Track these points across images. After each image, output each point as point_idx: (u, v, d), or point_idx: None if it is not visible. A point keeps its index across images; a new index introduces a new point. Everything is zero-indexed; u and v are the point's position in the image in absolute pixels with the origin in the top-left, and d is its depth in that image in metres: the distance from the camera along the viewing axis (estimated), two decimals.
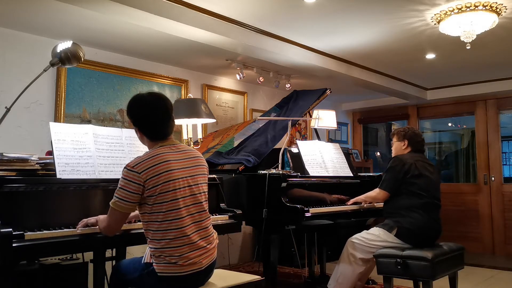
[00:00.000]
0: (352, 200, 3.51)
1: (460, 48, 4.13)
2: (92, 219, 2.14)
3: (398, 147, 3.45)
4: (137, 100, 2.11)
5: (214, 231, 2.18)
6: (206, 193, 2.16)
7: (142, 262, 2.06)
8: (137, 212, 2.24)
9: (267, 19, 3.59)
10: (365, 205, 3.52)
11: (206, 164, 2.22)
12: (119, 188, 1.96)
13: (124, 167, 1.97)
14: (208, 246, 2.07)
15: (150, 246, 2.01)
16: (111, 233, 2.10)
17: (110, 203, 1.98)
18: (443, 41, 4.03)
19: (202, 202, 2.09)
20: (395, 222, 3.09)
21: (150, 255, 2.02)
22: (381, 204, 3.40)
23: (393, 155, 3.48)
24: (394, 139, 3.47)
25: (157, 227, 1.97)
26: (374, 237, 3.10)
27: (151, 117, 2.06)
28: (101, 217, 2.11)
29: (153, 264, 1.98)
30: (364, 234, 3.17)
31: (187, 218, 2.01)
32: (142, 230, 2.29)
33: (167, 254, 1.96)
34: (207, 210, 2.14)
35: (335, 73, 4.76)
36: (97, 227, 2.13)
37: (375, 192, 3.31)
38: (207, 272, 2.10)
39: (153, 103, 2.07)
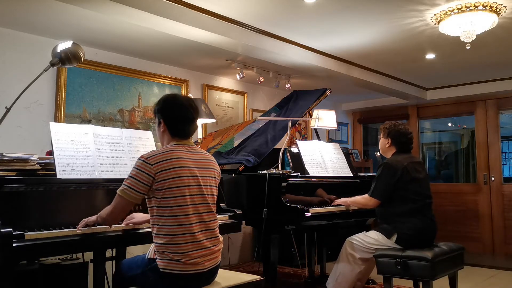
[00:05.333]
0: (337, 201, 3.41)
1: (460, 48, 4.13)
2: (92, 218, 2.14)
3: (382, 144, 3.34)
4: (171, 97, 2.22)
5: (220, 235, 2.18)
6: (215, 196, 2.19)
7: (146, 258, 2.08)
8: (146, 217, 2.24)
9: (267, 19, 3.59)
10: (351, 209, 3.40)
11: (218, 169, 2.26)
12: (129, 176, 2.00)
13: (139, 158, 2.02)
14: (212, 248, 2.08)
15: (155, 241, 2.02)
16: (113, 221, 2.11)
17: (117, 190, 2.01)
18: (443, 41, 4.03)
19: (209, 204, 2.11)
20: (393, 228, 3.03)
21: (154, 251, 2.03)
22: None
23: (380, 151, 3.40)
24: (381, 135, 3.36)
25: (163, 222, 1.99)
26: (373, 240, 3.07)
27: (181, 115, 2.14)
28: (102, 211, 2.12)
29: (156, 260, 1.99)
30: (362, 236, 3.14)
31: (193, 216, 2.02)
32: (143, 230, 2.30)
33: (171, 251, 1.97)
34: (215, 212, 2.16)
35: (335, 73, 4.77)
36: (97, 224, 2.13)
37: (365, 199, 3.21)
38: (210, 275, 2.11)
39: (187, 104, 2.17)
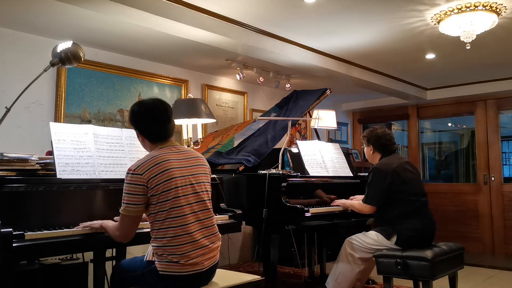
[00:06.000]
0: (336, 202, 3.42)
1: (460, 48, 4.13)
2: (95, 224, 2.14)
3: (367, 153, 3.37)
4: (137, 105, 2.20)
5: (218, 231, 2.18)
6: (210, 192, 2.19)
7: (144, 260, 2.08)
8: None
9: (267, 19, 3.59)
10: (350, 209, 3.38)
11: (207, 165, 2.25)
12: (125, 193, 1.98)
13: (127, 172, 2.00)
14: (210, 246, 2.08)
15: (153, 244, 2.02)
16: (128, 239, 2.09)
17: (120, 210, 2.00)
18: (443, 41, 4.03)
19: (205, 201, 2.11)
20: (393, 229, 3.03)
21: (153, 253, 2.03)
22: None
23: (368, 160, 3.42)
24: (363, 145, 3.39)
25: (160, 225, 1.99)
26: (373, 241, 3.07)
27: (150, 120, 2.13)
28: (109, 224, 2.11)
29: (155, 262, 2.00)
30: (362, 236, 3.13)
31: (190, 216, 2.02)
32: (143, 230, 2.30)
33: (169, 253, 1.97)
34: (211, 209, 2.15)
35: (335, 73, 4.76)
36: (102, 231, 2.13)
37: (361, 205, 3.19)
38: (209, 274, 2.11)
39: (152, 106, 2.15)
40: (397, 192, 3.06)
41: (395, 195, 3.06)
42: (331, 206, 3.41)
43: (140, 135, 2.16)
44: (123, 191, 1.99)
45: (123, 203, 1.99)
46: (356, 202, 3.29)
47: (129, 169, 2.00)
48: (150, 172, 1.97)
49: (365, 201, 3.17)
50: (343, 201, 3.40)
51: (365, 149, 3.40)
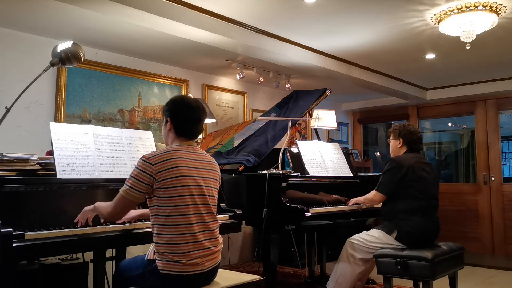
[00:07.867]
0: (353, 201, 3.48)
1: (460, 48, 4.13)
2: (88, 208, 2.15)
3: (393, 146, 3.38)
4: (180, 98, 2.25)
5: (220, 236, 2.19)
6: (216, 198, 2.20)
7: (145, 259, 2.08)
8: (139, 212, 2.27)
9: (267, 19, 3.59)
10: (364, 206, 3.48)
11: (219, 172, 2.27)
12: (131, 176, 2.01)
13: (140, 158, 2.04)
14: (213, 248, 2.09)
15: (155, 241, 2.03)
16: (116, 219, 2.16)
17: (120, 189, 2.03)
18: (443, 41, 4.03)
19: (210, 205, 2.12)
20: (394, 225, 3.06)
21: (154, 252, 2.03)
22: (380, 205, 3.38)
23: (391, 154, 3.43)
24: (391, 137, 3.42)
25: (163, 221, 1.99)
26: (374, 239, 3.08)
27: (188, 115, 2.16)
28: (102, 204, 2.14)
29: (156, 261, 2.00)
30: (363, 235, 3.15)
31: (194, 216, 2.03)
32: (143, 230, 2.31)
33: (171, 251, 1.97)
34: (215, 213, 2.17)
35: (335, 73, 4.77)
36: (94, 212, 2.15)
37: (372, 194, 3.29)
38: (210, 275, 2.11)
39: (193, 104, 2.20)
40: (407, 187, 3.09)
41: (404, 190, 3.10)
42: (333, 206, 3.42)
43: (170, 124, 2.16)
44: (131, 174, 2.02)
45: (126, 184, 2.02)
46: (369, 193, 3.36)
47: (143, 156, 2.04)
48: (162, 164, 1.99)
49: (376, 189, 3.24)
50: (359, 198, 3.47)
51: (391, 142, 3.40)
